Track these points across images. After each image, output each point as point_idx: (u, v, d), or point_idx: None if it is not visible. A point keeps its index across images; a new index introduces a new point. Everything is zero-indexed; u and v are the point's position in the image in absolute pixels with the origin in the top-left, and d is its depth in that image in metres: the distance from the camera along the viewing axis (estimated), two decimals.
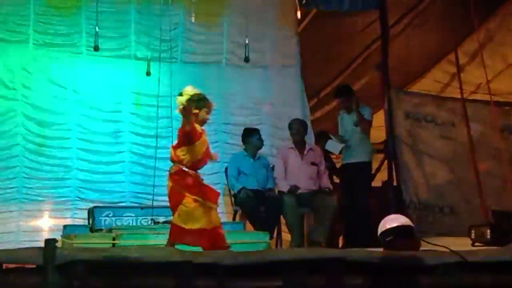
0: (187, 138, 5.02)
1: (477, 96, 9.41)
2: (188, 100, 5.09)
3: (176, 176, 5.08)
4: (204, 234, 4.92)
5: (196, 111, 5.15)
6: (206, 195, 5.02)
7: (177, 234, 4.91)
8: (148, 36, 8.15)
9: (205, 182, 5.19)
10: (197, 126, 5.10)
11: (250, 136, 7.57)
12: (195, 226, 4.89)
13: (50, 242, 3.49)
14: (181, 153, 5.08)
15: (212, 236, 4.97)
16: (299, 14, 6.70)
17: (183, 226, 4.88)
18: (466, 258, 3.99)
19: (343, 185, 7.89)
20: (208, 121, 5.22)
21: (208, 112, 5.23)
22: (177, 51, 8.30)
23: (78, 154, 7.82)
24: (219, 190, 7.83)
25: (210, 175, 8.13)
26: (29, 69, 7.79)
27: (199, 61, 8.48)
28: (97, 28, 7.07)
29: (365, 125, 7.65)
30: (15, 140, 7.60)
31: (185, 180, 5.02)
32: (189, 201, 4.93)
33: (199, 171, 5.12)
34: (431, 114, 8.52)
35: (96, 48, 7.03)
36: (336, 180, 8.25)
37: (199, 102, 5.19)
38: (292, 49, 8.84)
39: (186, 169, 5.04)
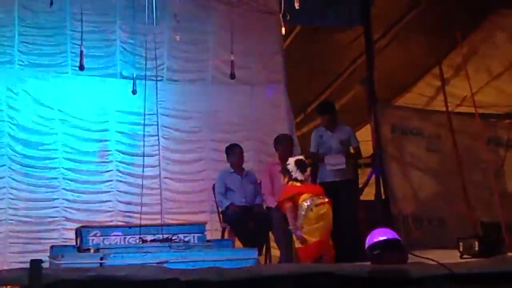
0: None
1: (462, 109, 9.47)
2: None
3: None
4: None
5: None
6: None
7: None
8: (133, 54, 8.15)
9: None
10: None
11: (230, 152, 7.62)
12: None
13: (35, 263, 3.47)
14: None
15: None
16: (283, 30, 6.71)
17: None
18: (453, 271, 3.99)
19: None
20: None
21: None
22: (162, 69, 8.29)
23: (64, 174, 7.77)
24: (206, 207, 7.97)
25: (198, 192, 8.17)
26: (15, 89, 7.75)
27: (185, 78, 8.49)
28: (82, 47, 7.05)
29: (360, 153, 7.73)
30: (1, 161, 7.54)
31: None
32: None
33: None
34: (417, 127, 8.57)
35: (81, 68, 7.01)
36: None
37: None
38: (277, 65, 8.87)
39: None
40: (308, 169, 6.80)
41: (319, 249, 6.14)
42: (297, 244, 6.23)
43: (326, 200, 6.31)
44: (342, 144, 7.64)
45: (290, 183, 6.34)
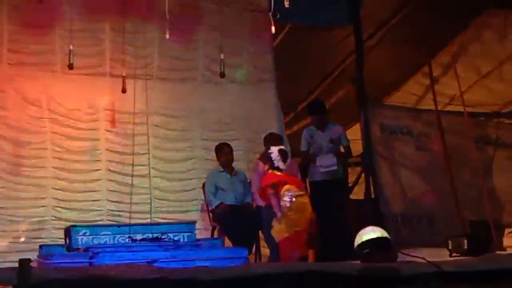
0: None
1: (452, 108, 9.51)
2: None
3: None
4: None
5: None
6: None
7: None
8: (123, 53, 8.11)
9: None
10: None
11: (218, 151, 7.63)
12: None
13: (24, 262, 3.46)
14: None
15: None
16: (273, 29, 6.71)
17: None
18: (443, 268, 4.01)
19: (318, 201, 7.79)
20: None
21: None
22: (152, 68, 8.27)
23: (54, 173, 7.74)
24: (196, 206, 7.96)
25: (188, 191, 8.16)
26: (4, 88, 7.71)
27: (174, 77, 8.47)
28: (71, 46, 7.01)
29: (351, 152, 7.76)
30: None
31: None
32: None
33: None
34: (407, 127, 8.61)
35: (71, 66, 6.98)
36: None
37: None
38: (267, 64, 8.87)
39: None
40: (289, 160, 6.84)
41: (299, 239, 6.13)
42: (278, 237, 6.20)
43: (305, 193, 6.39)
44: (332, 143, 7.66)
45: (270, 171, 6.31)
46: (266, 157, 6.41)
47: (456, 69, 8.64)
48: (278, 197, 6.20)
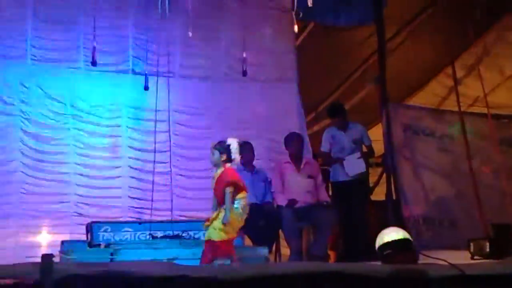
0: None
1: (475, 109, 9.43)
2: None
3: None
4: None
5: None
6: None
7: None
8: (146, 50, 8.14)
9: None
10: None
11: (239, 150, 7.60)
12: None
13: (47, 257, 3.48)
14: None
15: None
16: (296, 28, 6.70)
17: None
18: (465, 272, 3.97)
19: (339, 201, 7.78)
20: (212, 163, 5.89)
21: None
22: (174, 65, 8.31)
23: (76, 169, 7.80)
24: None
25: (208, 189, 8.15)
26: (27, 84, 7.79)
27: (196, 75, 8.50)
28: (95, 43, 7.06)
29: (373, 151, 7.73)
30: (13, 155, 7.59)
31: None
32: None
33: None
34: (429, 127, 8.53)
35: (94, 63, 7.02)
36: None
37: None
38: (289, 63, 8.86)
39: None
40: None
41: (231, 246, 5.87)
42: (219, 237, 5.65)
43: None
44: (355, 143, 7.63)
45: (227, 164, 5.91)
46: (223, 148, 5.92)
47: (480, 70, 8.56)
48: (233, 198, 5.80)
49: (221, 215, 5.63)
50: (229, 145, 5.91)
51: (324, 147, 7.76)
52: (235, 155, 5.91)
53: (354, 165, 7.49)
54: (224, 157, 5.85)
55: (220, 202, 5.72)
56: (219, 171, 5.82)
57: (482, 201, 7.89)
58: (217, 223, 5.61)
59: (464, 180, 8.15)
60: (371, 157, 7.95)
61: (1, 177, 7.50)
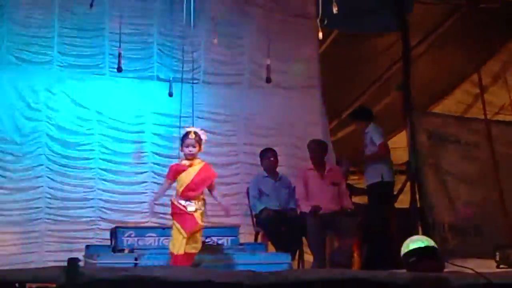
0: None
1: (501, 117, 9.35)
2: None
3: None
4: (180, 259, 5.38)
5: (180, 148, 5.88)
6: (183, 224, 5.48)
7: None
8: (170, 57, 8.21)
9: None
10: (184, 161, 5.75)
11: (263, 156, 7.64)
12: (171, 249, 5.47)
13: (73, 262, 3.51)
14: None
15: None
16: (320, 35, 6.69)
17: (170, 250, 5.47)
18: (491, 280, 3.93)
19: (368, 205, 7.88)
20: (192, 152, 5.72)
21: (186, 145, 5.72)
22: (199, 72, 8.34)
23: (101, 174, 7.85)
24: (239, 211, 7.95)
25: (232, 195, 8.17)
26: (53, 90, 7.86)
27: (220, 82, 8.52)
28: (120, 49, 7.11)
29: (377, 151, 7.72)
30: (39, 160, 7.65)
31: (172, 209, 5.62)
32: (172, 226, 5.54)
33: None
34: (454, 135, 8.46)
35: (119, 69, 7.06)
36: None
37: (181, 139, 5.83)
38: (313, 70, 8.85)
39: (173, 199, 5.63)
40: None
41: None
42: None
43: None
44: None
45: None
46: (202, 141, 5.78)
47: (506, 78, 8.50)
48: None
49: None
50: (202, 135, 5.82)
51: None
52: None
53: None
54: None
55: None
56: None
57: (508, 209, 7.82)
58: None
59: (490, 187, 8.08)
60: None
61: (27, 182, 7.56)
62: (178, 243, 5.44)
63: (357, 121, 8.26)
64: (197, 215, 5.56)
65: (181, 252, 5.42)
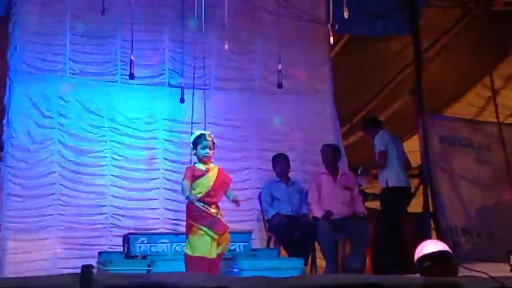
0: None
1: None
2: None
3: (187, 208, 5.54)
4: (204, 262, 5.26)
5: (194, 151, 5.66)
6: (212, 226, 5.36)
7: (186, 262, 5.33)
8: (182, 63, 8.22)
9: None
10: (200, 165, 5.61)
11: (275, 161, 7.65)
12: (197, 253, 5.30)
13: (86, 269, 3.51)
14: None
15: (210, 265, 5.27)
16: (331, 40, 6.70)
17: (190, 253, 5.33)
18: (505, 284, 3.91)
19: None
20: (209, 154, 5.60)
21: (203, 147, 5.56)
22: (210, 78, 8.35)
23: (113, 181, 7.86)
24: (251, 216, 7.95)
25: (244, 201, 8.16)
26: (66, 97, 7.88)
27: (232, 87, 8.53)
28: (132, 56, 7.13)
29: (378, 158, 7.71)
30: (52, 167, 7.67)
31: (193, 212, 5.44)
32: (195, 230, 5.35)
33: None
34: (466, 138, 8.44)
35: (131, 76, 7.09)
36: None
37: (193, 142, 5.65)
38: (324, 75, 8.85)
39: (189, 202, 5.48)
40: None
41: None
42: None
43: None
44: None
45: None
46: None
47: None
48: None
49: None
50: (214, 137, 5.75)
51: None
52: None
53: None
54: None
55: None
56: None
57: None
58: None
59: (503, 191, 8.04)
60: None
61: (40, 189, 7.58)
62: (207, 246, 5.31)
63: (365, 130, 8.28)
64: (219, 216, 5.50)
65: (214, 255, 5.34)
